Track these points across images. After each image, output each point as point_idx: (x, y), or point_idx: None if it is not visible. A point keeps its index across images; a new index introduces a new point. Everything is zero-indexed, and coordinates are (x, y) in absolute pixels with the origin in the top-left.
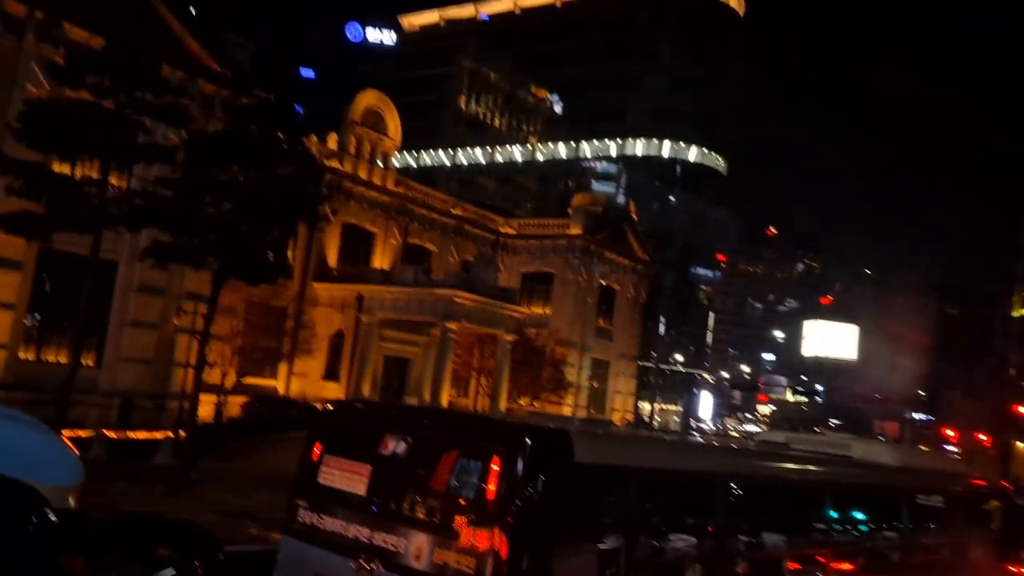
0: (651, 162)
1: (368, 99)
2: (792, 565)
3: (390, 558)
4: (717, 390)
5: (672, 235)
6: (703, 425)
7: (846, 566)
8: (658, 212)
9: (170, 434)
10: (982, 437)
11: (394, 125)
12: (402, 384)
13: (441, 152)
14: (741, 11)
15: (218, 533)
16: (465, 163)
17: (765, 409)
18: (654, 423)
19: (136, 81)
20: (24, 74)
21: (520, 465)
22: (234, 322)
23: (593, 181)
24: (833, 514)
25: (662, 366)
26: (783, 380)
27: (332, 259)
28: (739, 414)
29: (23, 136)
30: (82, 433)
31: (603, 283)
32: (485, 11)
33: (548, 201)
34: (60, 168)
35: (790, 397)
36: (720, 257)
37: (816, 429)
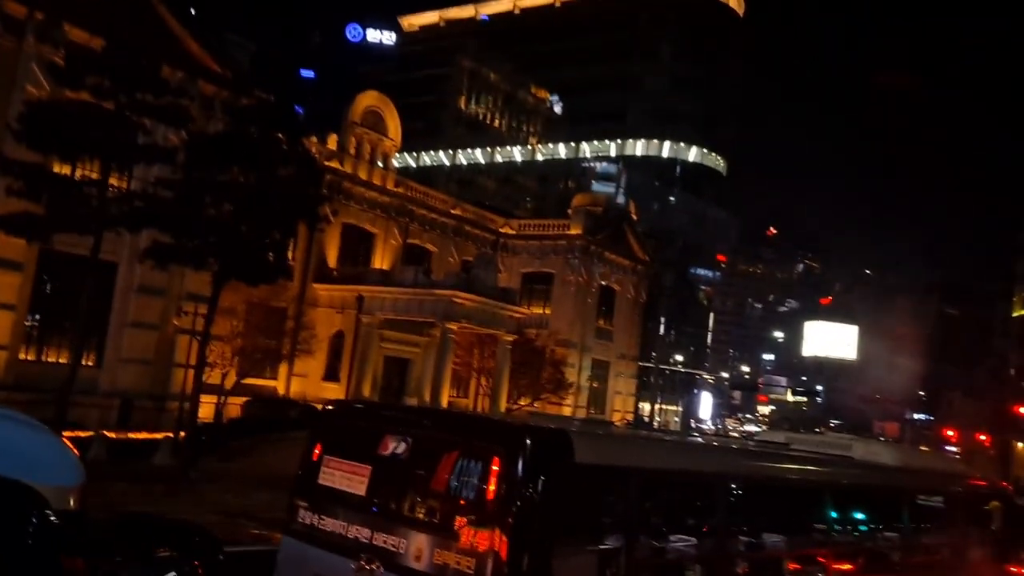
0: (651, 162)
1: (368, 100)
2: (792, 565)
3: (390, 558)
4: (717, 390)
5: (672, 235)
6: (703, 425)
7: (846, 566)
8: (658, 212)
9: (170, 434)
10: (982, 437)
11: (394, 126)
12: (402, 385)
13: (441, 152)
14: (741, 11)
15: (218, 533)
16: (465, 163)
17: (765, 409)
18: (654, 423)
19: (136, 82)
20: (24, 75)
21: (520, 465)
22: (234, 323)
23: (593, 181)
24: (833, 514)
25: (662, 366)
26: (783, 380)
27: (332, 260)
28: (739, 414)
29: (23, 137)
30: (82, 434)
31: (603, 283)
32: (485, 11)
33: (548, 201)
34: (60, 169)
35: (790, 397)
36: (720, 257)
37: (816, 429)
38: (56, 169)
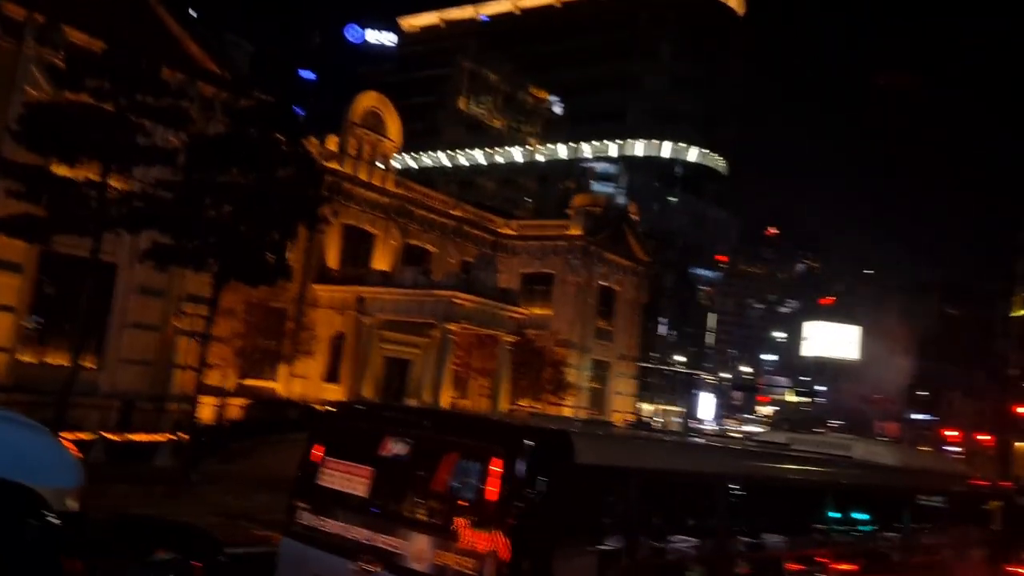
0: (651, 162)
1: (368, 100)
2: (793, 566)
3: (391, 560)
4: (718, 391)
5: (672, 235)
6: (704, 426)
7: (847, 566)
8: (658, 212)
9: (170, 436)
10: (982, 437)
11: (394, 126)
12: (402, 385)
13: (441, 153)
14: (741, 11)
15: (219, 535)
16: (465, 164)
17: (766, 410)
18: (655, 424)
19: (136, 84)
20: (24, 77)
21: (520, 466)
22: (234, 324)
23: (593, 182)
24: (834, 514)
25: (662, 367)
26: (784, 381)
27: (332, 261)
28: (740, 415)
29: (23, 139)
30: (82, 435)
31: (603, 284)
32: (484, 12)
33: (548, 202)
34: (60, 171)
35: (790, 398)
36: (720, 257)
37: (817, 430)
38: (56, 171)
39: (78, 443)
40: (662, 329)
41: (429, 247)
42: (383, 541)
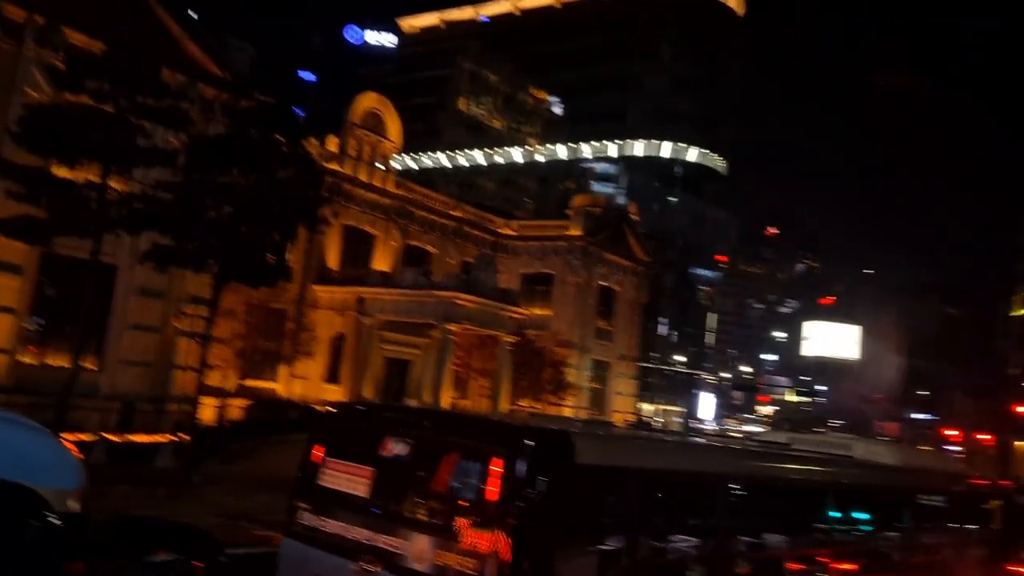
0: (651, 162)
1: (368, 101)
2: (793, 565)
3: (391, 560)
4: (718, 391)
5: (672, 235)
6: (704, 426)
7: (847, 566)
8: (658, 213)
9: (171, 437)
10: (983, 437)
11: (394, 127)
12: (403, 386)
13: (441, 154)
14: (741, 11)
15: (220, 535)
16: (465, 165)
17: (766, 409)
18: (655, 424)
19: (136, 85)
20: (24, 78)
21: (521, 466)
22: (235, 325)
23: (593, 182)
24: (834, 514)
25: (663, 367)
26: (784, 380)
27: (332, 261)
28: (740, 414)
29: (23, 140)
30: (83, 436)
31: (603, 284)
32: (484, 13)
33: (548, 202)
34: (60, 172)
35: (791, 397)
36: (720, 257)
37: (817, 429)
38: (56, 172)
39: (79, 444)
40: (662, 329)
41: (429, 248)
42: (384, 541)
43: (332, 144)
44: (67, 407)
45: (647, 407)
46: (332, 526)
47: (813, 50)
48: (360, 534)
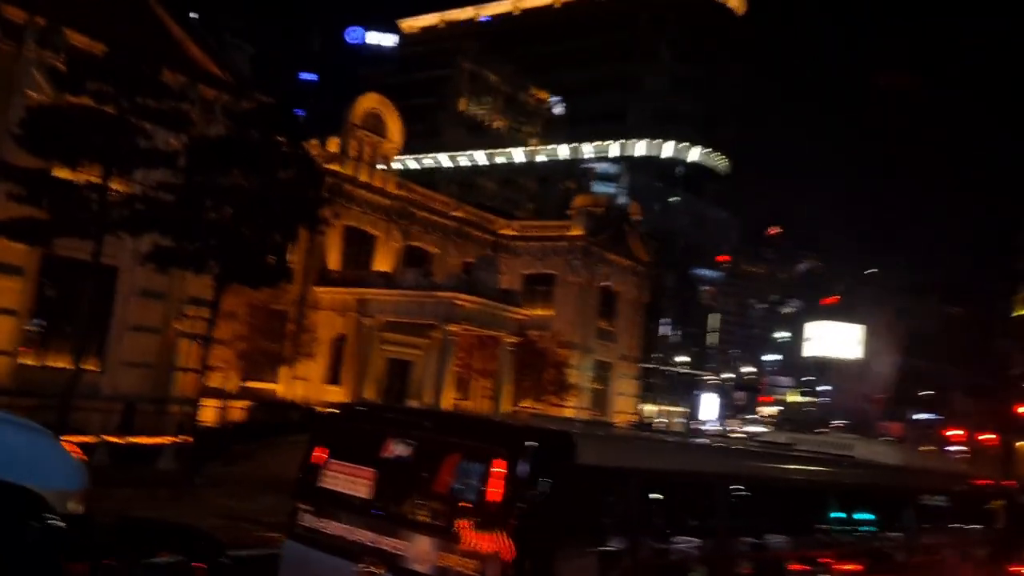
0: (652, 163)
1: (368, 102)
2: (795, 566)
3: (393, 561)
4: (720, 391)
5: (673, 236)
6: (706, 426)
7: (850, 567)
8: (659, 213)
9: (173, 439)
10: (985, 437)
11: (395, 128)
12: (404, 387)
13: (442, 154)
14: (741, 11)
15: (221, 537)
16: (466, 165)
17: (768, 410)
18: (658, 424)
19: (137, 86)
20: (25, 80)
21: (522, 467)
22: (236, 326)
23: (594, 182)
24: (837, 515)
25: (664, 367)
26: (786, 381)
27: (333, 262)
28: (742, 415)
29: (24, 142)
30: (85, 438)
31: (604, 284)
32: (485, 13)
33: (549, 203)
34: (61, 174)
35: (793, 398)
36: (722, 258)
37: (819, 430)
38: (57, 174)
39: (80, 446)
40: (664, 329)
41: (430, 248)
42: (386, 543)
43: (333, 145)
44: (69, 409)
45: (649, 408)
46: (334, 528)
47: (813, 50)
48: (362, 536)
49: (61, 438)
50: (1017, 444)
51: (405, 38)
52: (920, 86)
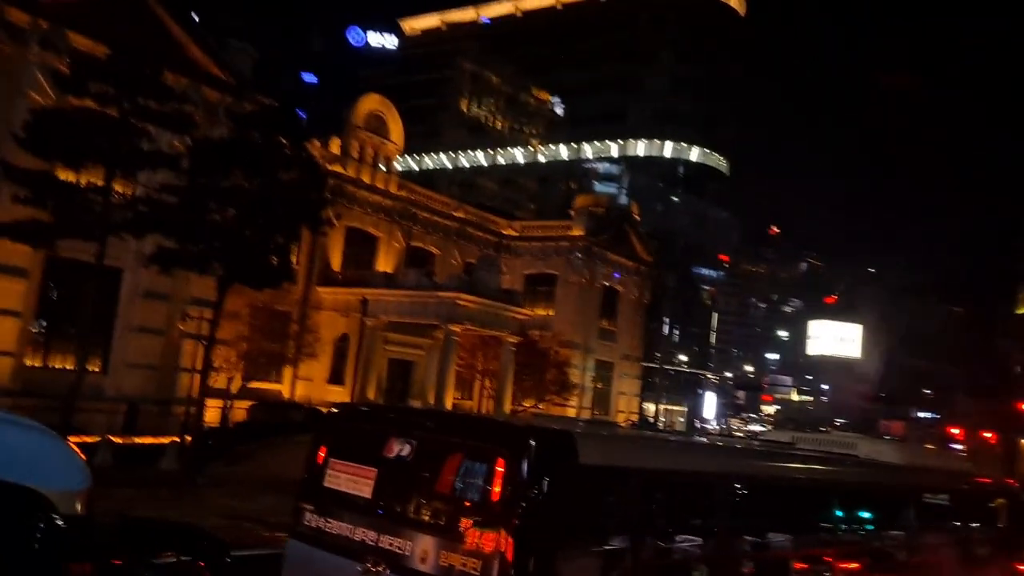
0: (653, 163)
1: (370, 103)
2: (798, 565)
3: (396, 561)
4: (721, 390)
5: (674, 235)
6: (708, 425)
7: (852, 566)
8: (660, 213)
9: (176, 439)
10: (987, 435)
11: (396, 129)
12: (406, 387)
13: (443, 155)
14: (742, 11)
15: (224, 537)
16: (467, 166)
17: (770, 409)
18: (659, 423)
19: (140, 88)
20: (28, 83)
21: (524, 467)
22: (239, 327)
23: (595, 182)
24: (839, 513)
25: (666, 367)
26: (788, 380)
27: (336, 263)
28: (744, 414)
29: (28, 144)
30: (88, 439)
31: (606, 284)
32: (486, 14)
33: (550, 203)
34: (65, 176)
35: (795, 397)
36: (723, 257)
37: (822, 428)
38: (61, 176)
39: (84, 446)
40: (665, 329)
41: (432, 249)
42: (388, 542)
43: (335, 146)
44: (72, 410)
45: (651, 407)
46: (337, 527)
47: (813, 50)
48: (365, 535)
49: (65, 439)
50: (1022, 441)
51: (406, 39)
52: (920, 86)
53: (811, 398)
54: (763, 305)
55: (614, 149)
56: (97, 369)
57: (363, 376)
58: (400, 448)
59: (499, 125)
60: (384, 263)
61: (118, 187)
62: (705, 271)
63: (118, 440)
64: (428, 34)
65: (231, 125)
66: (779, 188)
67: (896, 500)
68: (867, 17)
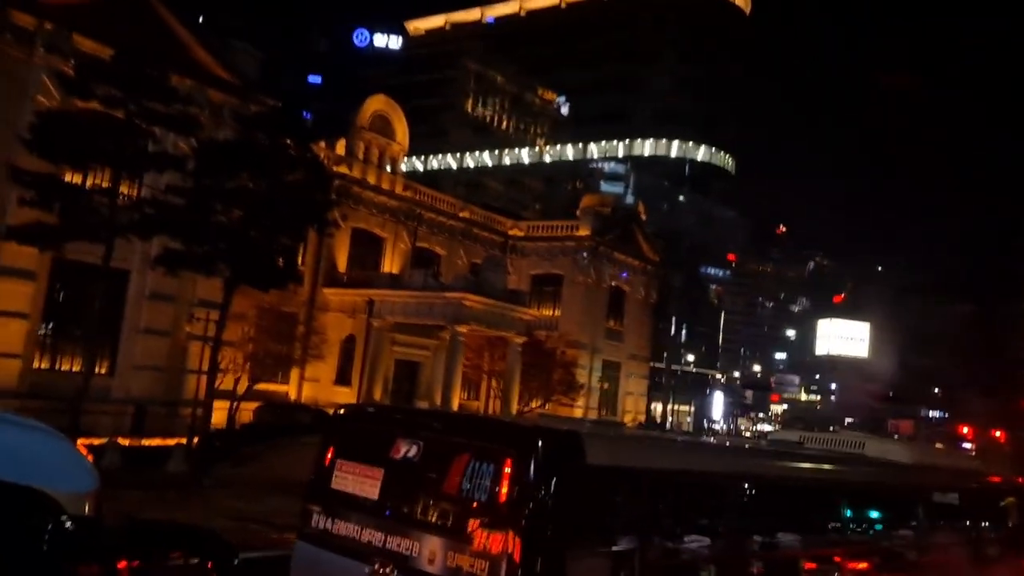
0: (659, 162)
1: (376, 104)
2: (807, 564)
3: (404, 562)
4: (729, 390)
5: (681, 235)
6: (716, 425)
7: (862, 565)
8: (666, 212)
9: (183, 441)
10: (996, 434)
11: (402, 130)
12: (413, 388)
13: (448, 155)
14: (747, 9)
15: (232, 539)
16: (472, 166)
17: (778, 408)
18: (668, 423)
19: (145, 91)
20: (34, 85)
21: (532, 467)
22: (245, 328)
23: (601, 182)
24: (848, 513)
25: (673, 367)
26: (796, 379)
27: (342, 264)
28: (752, 414)
29: (35, 147)
30: (96, 441)
31: (612, 284)
32: (490, 14)
33: (556, 203)
34: (71, 178)
35: (803, 396)
36: (730, 257)
37: (830, 428)
38: (67, 178)
39: (91, 448)
40: (672, 329)
41: (438, 249)
42: (396, 543)
43: (340, 147)
44: (80, 412)
45: (658, 407)
46: (344, 528)
47: (814, 50)
48: (372, 536)
49: (73, 440)
50: None
51: (411, 40)
52: (920, 86)
53: (819, 397)
54: (770, 304)
55: (620, 149)
56: (104, 371)
57: (370, 377)
58: (407, 449)
59: (504, 125)
60: (390, 264)
61: (124, 189)
62: (712, 270)
63: (125, 442)
64: (432, 34)
65: (236, 126)
66: (781, 187)
67: (905, 499)
68: (867, 17)
